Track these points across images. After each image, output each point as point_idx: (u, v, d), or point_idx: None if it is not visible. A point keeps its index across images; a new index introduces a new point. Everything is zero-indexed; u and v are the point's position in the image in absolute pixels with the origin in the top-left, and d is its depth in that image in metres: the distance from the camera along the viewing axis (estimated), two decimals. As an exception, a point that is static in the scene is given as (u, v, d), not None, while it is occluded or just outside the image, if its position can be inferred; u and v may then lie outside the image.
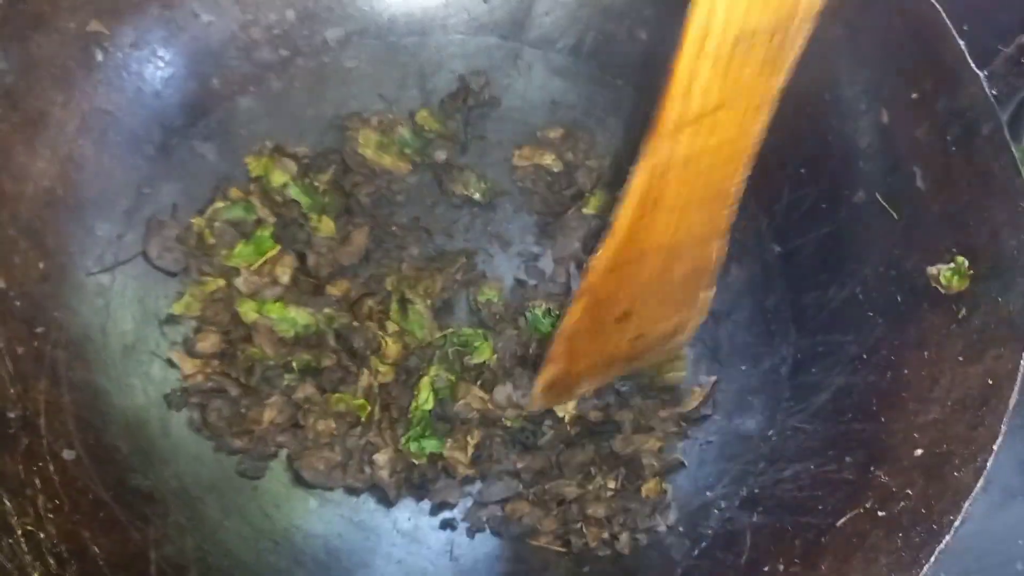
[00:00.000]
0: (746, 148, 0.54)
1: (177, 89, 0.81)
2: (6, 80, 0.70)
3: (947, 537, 0.56)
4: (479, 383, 0.76)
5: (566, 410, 0.76)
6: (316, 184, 0.83)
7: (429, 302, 0.79)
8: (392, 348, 0.77)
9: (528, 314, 0.79)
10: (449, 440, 0.75)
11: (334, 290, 0.80)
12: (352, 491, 0.75)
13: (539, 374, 0.71)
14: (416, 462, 0.74)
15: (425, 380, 0.76)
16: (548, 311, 0.79)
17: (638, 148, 0.81)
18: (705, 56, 0.46)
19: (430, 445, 0.75)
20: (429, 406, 0.76)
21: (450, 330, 0.79)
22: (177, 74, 0.81)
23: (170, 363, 0.76)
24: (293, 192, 0.81)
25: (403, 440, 0.74)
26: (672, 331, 0.71)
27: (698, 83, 0.47)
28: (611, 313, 0.63)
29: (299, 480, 0.74)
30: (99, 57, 0.76)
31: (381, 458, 0.74)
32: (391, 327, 0.78)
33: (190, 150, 0.82)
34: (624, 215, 0.53)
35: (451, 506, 0.75)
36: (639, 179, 0.51)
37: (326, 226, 0.81)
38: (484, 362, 0.78)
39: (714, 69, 0.47)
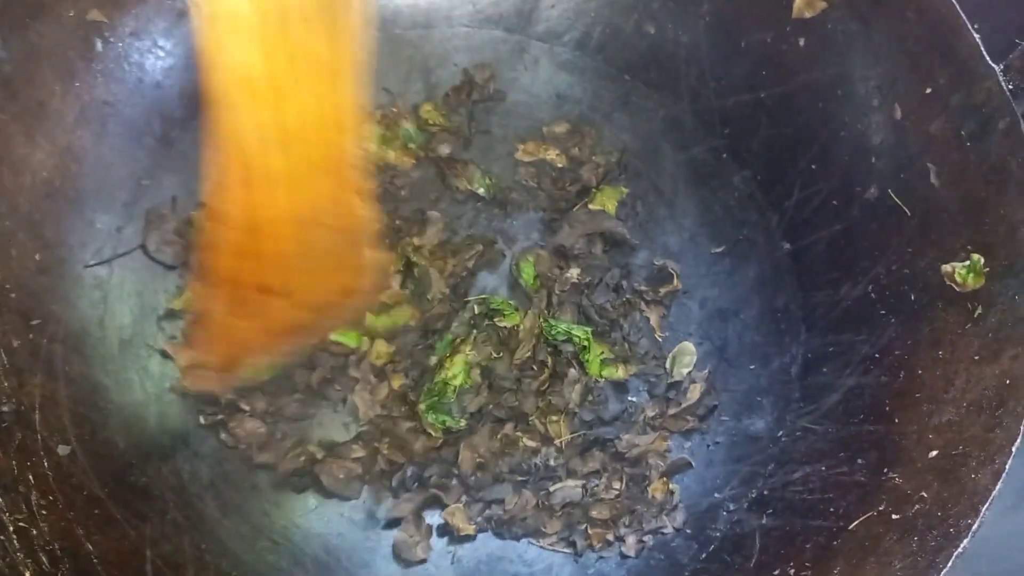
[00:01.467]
0: (335, 117, 0.52)
1: (178, 80, 0.80)
2: (4, 69, 0.69)
3: (964, 541, 0.55)
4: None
5: (559, 433, 0.75)
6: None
7: (443, 273, 0.79)
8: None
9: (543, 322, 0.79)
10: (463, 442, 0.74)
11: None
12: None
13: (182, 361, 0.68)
14: (434, 433, 0.74)
15: (459, 357, 0.75)
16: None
17: (646, 143, 0.80)
18: (233, 30, 0.45)
19: (450, 420, 0.74)
20: (458, 382, 0.75)
21: (482, 296, 0.79)
22: (178, 65, 0.80)
23: (163, 354, 0.75)
24: None
25: (421, 405, 0.74)
26: (341, 295, 0.66)
27: (236, 55, 0.46)
28: (246, 290, 0.59)
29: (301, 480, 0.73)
30: (99, 47, 0.75)
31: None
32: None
33: (191, 142, 0.81)
34: (211, 196, 0.52)
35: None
36: (209, 157, 0.50)
37: None
38: (515, 326, 0.77)
39: (250, 43, 0.46)
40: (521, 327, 0.78)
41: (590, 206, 0.83)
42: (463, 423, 0.75)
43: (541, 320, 0.78)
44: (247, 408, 0.73)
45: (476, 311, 0.78)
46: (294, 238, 0.56)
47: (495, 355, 0.77)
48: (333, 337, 0.74)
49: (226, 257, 0.55)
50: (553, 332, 0.77)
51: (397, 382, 0.76)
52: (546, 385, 0.77)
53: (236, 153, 0.50)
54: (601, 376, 0.78)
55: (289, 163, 0.52)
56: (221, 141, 0.49)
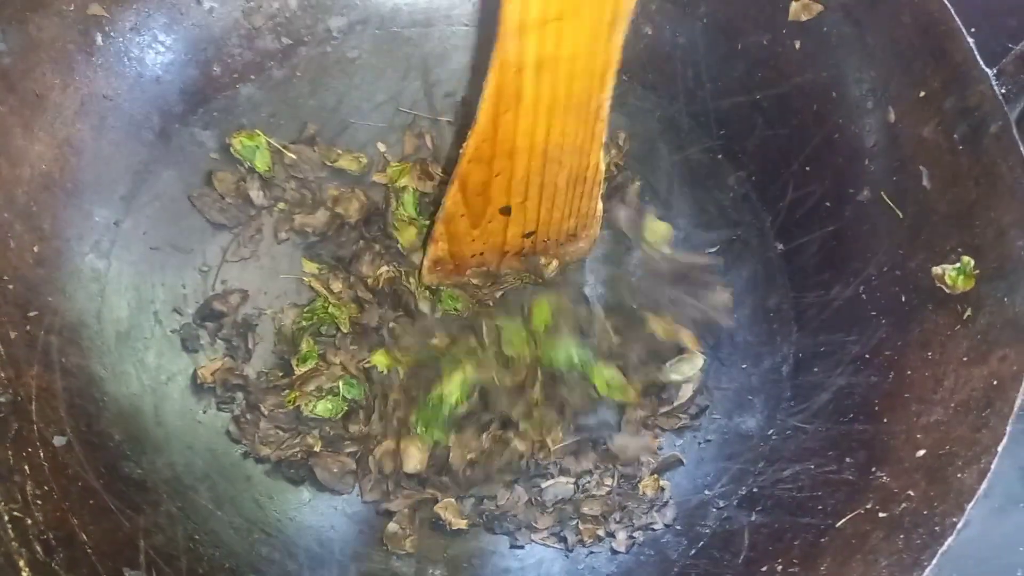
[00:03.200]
0: (601, 64, 0.58)
1: (177, 75, 0.80)
2: (4, 62, 0.70)
3: (949, 539, 0.55)
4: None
5: (555, 440, 0.75)
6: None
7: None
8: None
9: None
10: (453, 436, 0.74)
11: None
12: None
13: (425, 254, 0.76)
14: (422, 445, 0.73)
15: (457, 376, 0.74)
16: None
17: (642, 143, 0.79)
18: None
19: (439, 435, 0.74)
20: (453, 400, 0.73)
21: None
22: (178, 60, 0.80)
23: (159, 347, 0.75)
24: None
25: (413, 420, 0.73)
26: (569, 236, 0.75)
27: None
28: (489, 204, 0.67)
29: (296, 473, 0.74)
30: (99, 41, 0.75)
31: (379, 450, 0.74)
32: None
33: (190, 137, 0.81)
34: (485, 108, 0.59)
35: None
36: (493, 74, 0.56)
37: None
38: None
39: None
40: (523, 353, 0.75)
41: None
42: (453, 437, 0.74)
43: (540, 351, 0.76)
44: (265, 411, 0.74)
45: (484, 331, 0.76)
46: (540, 170, 0.64)
47: (496, 379, 0.75)
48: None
49: (470, 166, 0.63)
50: (554, 361, 0.75)
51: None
52: (538, 401, 0.75)
53: (515, 81, 0.56)
54: (611, 397, 0.75)
55: (554, 98, 0.59)
56: (505, 69, 0.55)
